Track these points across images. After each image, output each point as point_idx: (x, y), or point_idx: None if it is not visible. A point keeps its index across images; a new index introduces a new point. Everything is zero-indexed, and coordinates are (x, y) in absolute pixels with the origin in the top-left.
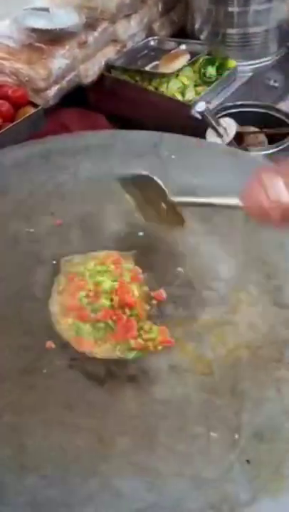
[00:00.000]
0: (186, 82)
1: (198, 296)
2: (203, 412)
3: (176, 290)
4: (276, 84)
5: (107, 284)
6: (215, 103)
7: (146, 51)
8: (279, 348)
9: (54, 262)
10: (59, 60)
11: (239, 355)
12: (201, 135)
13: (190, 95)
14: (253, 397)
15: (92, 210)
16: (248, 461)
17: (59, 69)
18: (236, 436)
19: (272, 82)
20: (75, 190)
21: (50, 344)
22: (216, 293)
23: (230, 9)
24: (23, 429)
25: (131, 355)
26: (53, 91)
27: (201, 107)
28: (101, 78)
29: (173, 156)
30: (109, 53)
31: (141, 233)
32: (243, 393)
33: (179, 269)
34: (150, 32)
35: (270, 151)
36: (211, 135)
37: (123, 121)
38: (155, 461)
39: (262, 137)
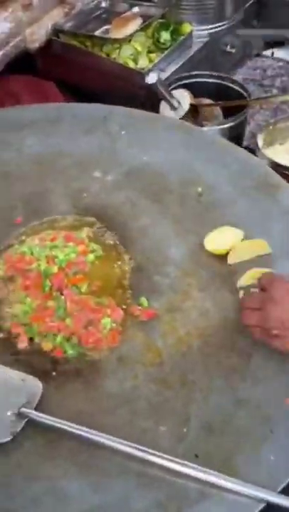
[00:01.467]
0: (139, 48)
1: (149, 281)
2: (152, 405)
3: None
4: (232, 50)
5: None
6: (170, 70)
7: (97, 13)
8: (231, 335)
9: None
10: (2, 24)
11: (190, 344)
12: (155, 105)
13: (143, 62)
14: (202, 388)
15: (37, 190)
16: (196, 455)
17: (2, 33)
18: (184, 429)
19: (228, 48)
20: (19, 168)
21: None
22: (167, 278)
23: None
24: None
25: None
26: None
27: (152, 78)
28: (49, 43)
29: (123, 132)
30: (57, 16)
31: (90, 218)
32: (192, 384)
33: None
34: None
35: (226, 125)
36: (164, 107)
37: (74, 89)
38: (101, 460)
39: (217, 110)
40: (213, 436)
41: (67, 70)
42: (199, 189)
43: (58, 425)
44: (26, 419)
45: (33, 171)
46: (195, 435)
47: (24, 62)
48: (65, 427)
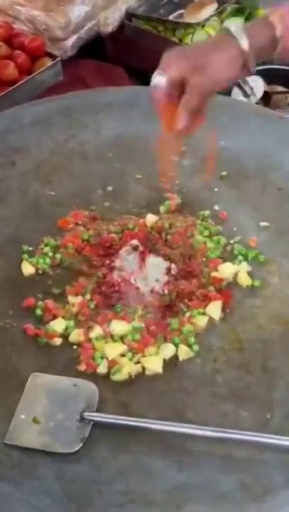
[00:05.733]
0: (212, 33)
1: None
2: (233, 390)
3: None
4: None
5: None
6: None
7: None
8: None
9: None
10: (78, 7)
11: (271, 331)
12: (227, 92)
13: None
14: (284, 375)
15: (115, 172)
16: None
17: (78, 17)
18: (268, 415)
19: None
20: (97, 150)
21: None
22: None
23: None
24: None
25: None
26: (71, 41)
27: None
28: (120, 28)
29: None
30: (131, 0)
31: (167, 194)
32: (274, 371)
33: None
34: None
35: None
36: (236, 94)
37: (143, 75)
38: (184, 440)
39: None
40: None
41: (138, 56)
42: (279, 176)
43: (126, 423)
44: (91, 423)
45: (111, 152)
46: (278, 422)
47: (94, 47)
48: (135, 424)
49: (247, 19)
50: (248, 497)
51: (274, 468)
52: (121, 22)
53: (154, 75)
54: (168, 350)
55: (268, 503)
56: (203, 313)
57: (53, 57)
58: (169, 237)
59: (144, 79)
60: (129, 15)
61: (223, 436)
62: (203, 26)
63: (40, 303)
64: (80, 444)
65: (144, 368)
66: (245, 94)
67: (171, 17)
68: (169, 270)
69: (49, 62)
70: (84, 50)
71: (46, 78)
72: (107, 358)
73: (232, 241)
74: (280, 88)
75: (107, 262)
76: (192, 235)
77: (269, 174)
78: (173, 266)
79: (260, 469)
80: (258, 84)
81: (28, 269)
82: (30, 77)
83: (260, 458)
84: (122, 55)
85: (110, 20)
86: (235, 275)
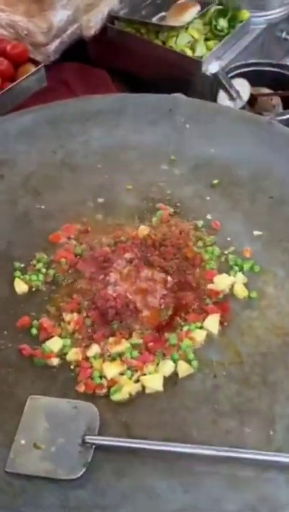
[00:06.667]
0: (196, 35)
1: None
2: (234, 405)
3: None
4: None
5: None
6: (227, 59)
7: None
8: None
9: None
10: (60, 11)
11: (269, 343)
12: (212, 95)
13: (200, 51)
14: (285, 388)
15: (105, 183)
16: None
17: (60, 21)
18: (271, 432)
19: (284, 35)
20: (86, 160)
21: None
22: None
23: None
24: None
25: None
26: (53, 46)
27: (214, 67)
28: (103, 31)
29: (187, 126)
30: (113, 2)
31: (159, 204)
32: (274, 384)
33: None
34: None
35: (288, 115)
36: (223, 98)
37: (126, 78)
38: (188, 460)
39: (276, 100)
40: None
41: (121, 58)
42: (270, 184)
43: (129, 445)
44: (94, 447)
45: (100, 163)
46: (281, 437)
47: (77, 51)
48: (138, 446)
49: (230, 21)
50: None
51: (279, 487)
52: (103, 25)
53: None
54: (167, 367)
55: None
56: (201, 327)
57: (35, 63)
58: (163, 248)
59: (127, 81)
60: (112, 17)
61: (228, 456)
62: (186, 29)
63: (35, 322)
64: (84, 469)
65: (144, 387)
66: (232, 98)
67: (154, 19)
68: (165, 283)
69: (32, 68)
70: (67, 54)
71: (30, 85)
72: (106, 377)
73: (226, 251)
74: (266, 90)
75: (102, 276)
76: (186, 246)
77: (260, 182)
78: (169, 278)
79: (266, 488)
80: (243, 88)
81: (21, 287)
82: (13, 84)
83: (265, 476)
84: (105, 57)
85: (92, 23)
86: (232, 287)
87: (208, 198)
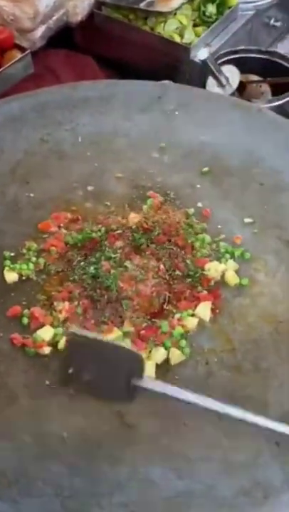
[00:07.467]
0: (185, 21)
1: None
2: (227, 392)
3: None
4: (277, 24)
5: None
6: (216, 45)
7: None
8: None
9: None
10: None
11: (260, 330)
12: (201, 82)
13: (189, 37)
14: (277, 375)
15: (95, 171)
16: (277, 443)
17: (46, 7)
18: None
19: (272, 22)
20: (74, 148)
21: None
22: None
23: None
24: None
25: None
26: (39, 32)
27: (203, 54)
28: (90, 17)
29: (177, 113)
30: None
31: (149, 192)
32: (267, 371)
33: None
34: None
35: (277, 103)
36: (212, 85)
37: (113, 65)
38: (182, 446)
39: (265, 87)
40: None
41: (108, 45)
42: (260, 171)
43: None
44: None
45: (90, 151)
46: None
47: (63, 37)
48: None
49: (219, 6)
50: (249, 501)
51: (273, 471)
52: (90, 11)
53: None
54: (159, 354)
55: (270, 505)
56: (193, 315)
57: (21, 49)
58: (154, 236)
59: (114, 67)
60: (99, 3)
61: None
62: (175, 15)
63: (26, 311)
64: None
65: None
66: (221, 85)
67: (141, 4)
68: (156, 271)
69: (18, 55)
70: (53, 40)
71: (16, 72)
72: None
73: (217, 239)
74: (255, 77)
75: (93, 265)
76: (178, 234)
77: (250, 169)
78: (161, 266)
79: (259, 472)
80: (233, 75)
81: (11, 276)
82: None
83: (259, 461)
84: (92, 44)
85: (79, 9)
86: (223, 274)
87: (198, 186)
